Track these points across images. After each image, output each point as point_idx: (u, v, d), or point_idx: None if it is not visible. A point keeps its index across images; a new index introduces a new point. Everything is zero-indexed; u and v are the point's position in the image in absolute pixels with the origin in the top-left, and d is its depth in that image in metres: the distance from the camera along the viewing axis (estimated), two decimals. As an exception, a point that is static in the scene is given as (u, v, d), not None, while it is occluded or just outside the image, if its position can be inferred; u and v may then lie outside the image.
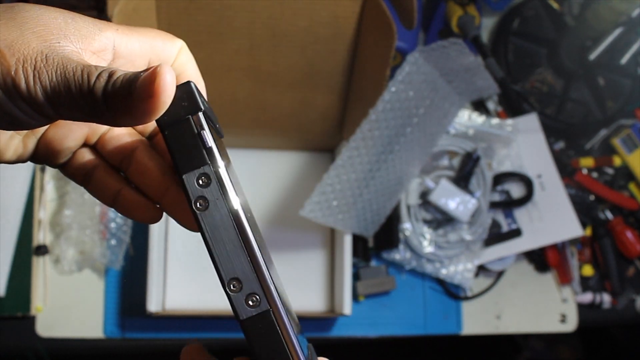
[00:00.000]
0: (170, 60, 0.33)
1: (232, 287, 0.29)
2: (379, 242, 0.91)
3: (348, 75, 0.81)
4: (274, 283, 0.29)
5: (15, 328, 0.84)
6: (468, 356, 1.37)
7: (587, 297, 0.98)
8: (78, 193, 0.85)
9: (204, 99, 0.31)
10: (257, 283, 0.28)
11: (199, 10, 0.72)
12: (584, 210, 0.98)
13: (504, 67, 1.00)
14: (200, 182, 0.29)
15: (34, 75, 0.27)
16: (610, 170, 1.02)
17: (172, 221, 0.89)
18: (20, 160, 0.33)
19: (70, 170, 0.35)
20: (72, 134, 0.33)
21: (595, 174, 1.02)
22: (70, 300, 0.86)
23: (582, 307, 0.98)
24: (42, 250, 0.85)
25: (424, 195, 0.91)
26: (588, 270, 0.98)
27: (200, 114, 0.29)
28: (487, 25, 1.04)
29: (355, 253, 0.89)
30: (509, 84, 0.96)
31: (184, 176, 0.29)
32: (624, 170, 1.01)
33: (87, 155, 0.34)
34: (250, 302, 0.28)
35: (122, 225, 0.86)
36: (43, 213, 0.86)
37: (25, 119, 0.28)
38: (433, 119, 0.87)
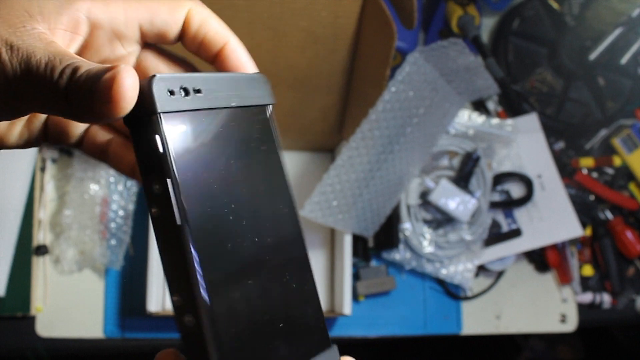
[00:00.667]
0: (174, 28, 0.30)
1: (174, 300, 0.27)
2: (379, 242, 0.91)
3: (348, 75, 0.81)
4: (211, 308, 0.26)
5: (15, 328, 0.84)
6: (468, 356, 1.37)
7: (587, 297, 0.98)
8: (78, 193, 0.85)
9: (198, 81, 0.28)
10: (192, 305, 0.26)
11: (199, 10, 0.72)
12: (584, 210, 0.98)
13: (504, 67, 1.00)
14: (155, 189, 0.27)
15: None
16: (610, 170, 1.02)
17: (172, 221, 0.89)
18: (29, 144, 0.33)
19: (86, 148, 0.34)
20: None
21: (595, 174, 1.02)
22: (70, 300, 0.86)
23: (582, 307, 0.98)
24: (42, 250, 0.85)
25: (424, 195, 0.91)
26: (588, 270, 0.98)
27: (159, 116, 0.26)
28: (487, 25, 1.04)
29: (355, 253, 0.89)
30: (509, 84, 0.96)
31: (142, 179, 0.27)
32: (624, 170, 1.01)
33: (99, 132, 0.34)
34: (186, 321, 0.26)
35: (122, 225, 0.86)
36: (43, 213, 0.86)
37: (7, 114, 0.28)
38: (433, 119, 0.87)
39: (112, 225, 0.85)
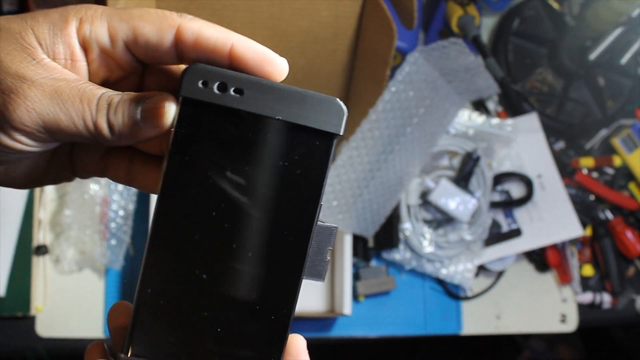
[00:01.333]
0: (163, 46, 0.29)
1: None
2: (379, 242, 0.91)
3: (348, 75, 0.81)
4: (153, 275, 0.29)
5: (15, 328, 0.84)
6: (468, 356, 1.37)
7: (587, 297, 0.98)
8: (78, 193, 0.85)
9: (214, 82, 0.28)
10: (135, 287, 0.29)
11: (199, 11, 0.72)
12: (584, 210, 0.98)
13: (504, 67, 1.00)
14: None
15: (27, 107, 0.27)
16: (610, 170, 1.02)
17: (172, 221, 0.89)
18: (58, 180, 0.33)
19: (112, 176, 0.34)
20: (95, 147, 0.33)
21: (595, 174, 1.02)
22: (70, 300, 0.86)
23: (582, 307, 0.98)
24: (42, 250, 0.85)
25: (424, 195, 0.91)
26: (588, 270, 0.98)
27: (179, 98, 0.28)
28: (487, 25, 1.04)
29: (355, 253, 0.89)
30: (509, 84, 0.96)
31: None
32: (624, 170, 1.01)
33: (121, 158, 0.34)
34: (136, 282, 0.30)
35: (122, 225, 0.86)
36: (43, 213, 0.86)
37: (20, 147, 0.28)
38: (433, 119, 0.87)
39: (112, 225, 0.85)
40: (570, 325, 0.97)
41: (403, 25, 0.69)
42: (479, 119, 0.94)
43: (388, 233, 0.89)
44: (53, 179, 0.33)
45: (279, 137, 0.28)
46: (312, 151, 0.28)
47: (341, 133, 0.29)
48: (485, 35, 1.03)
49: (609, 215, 1.00)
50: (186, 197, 0.28)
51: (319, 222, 0.29)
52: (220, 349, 0.29)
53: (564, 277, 0.97)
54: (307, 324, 0.91)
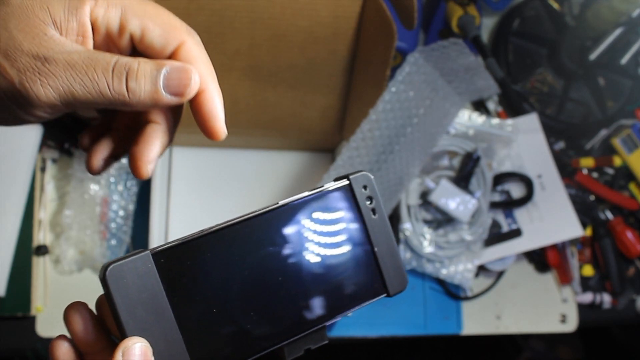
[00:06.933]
0: (162, 54, 0.32)
1: None
2: (379, 242, 0.90)
3: (348, 75, 0.81)
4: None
5: (15, 328, 0.84)
6: (468, 356, 1.37)
7: (588, 297, 0.98)
8: (78, 193, 0.85)
9: None
10: None
11: (199, 10, 0.72)
12: (584, 210, 0.98)
13: (504, 67, 1.00)
14: None
15: (41, 82, 0.28)
16: (610, 170, 1.02)
17: (172, 223, 0.89)
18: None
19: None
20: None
21: (595, 174, 1.02)
22: (70, 300, 0.85)
23: (582, 307, 0.98)
24: (42, 250, 0.85)
25: (424, 195, 0.91)
26: (588, 271, 0.98)
27: None
28: (487, 25, 1.04)
29: (355, 253, 0.89)
30: (509, 84, 0.96)
31: None
32: (624, 170, 1.01)
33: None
34: None
35: (122, 225, 0.86)
36: (43, 213, 0.86)
37: (36, 120, 0.30)
38: (433, 119, 0.87)
39: (112, 225, 0.85)
40: (570, 325, 0.97)
41: (403, 25, 0.69)
42: (479, 119, 0.94)
43: (388, 233, 0.89)
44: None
45: (361, 255, 0.37)
46: (367, 285, 0.37)
47: (390, 295, 0.37)
48: (485, 36, 1.03)
49: (609, 215, 1.00)
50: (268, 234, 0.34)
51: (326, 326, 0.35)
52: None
53: (564, 277, 0.97)
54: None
